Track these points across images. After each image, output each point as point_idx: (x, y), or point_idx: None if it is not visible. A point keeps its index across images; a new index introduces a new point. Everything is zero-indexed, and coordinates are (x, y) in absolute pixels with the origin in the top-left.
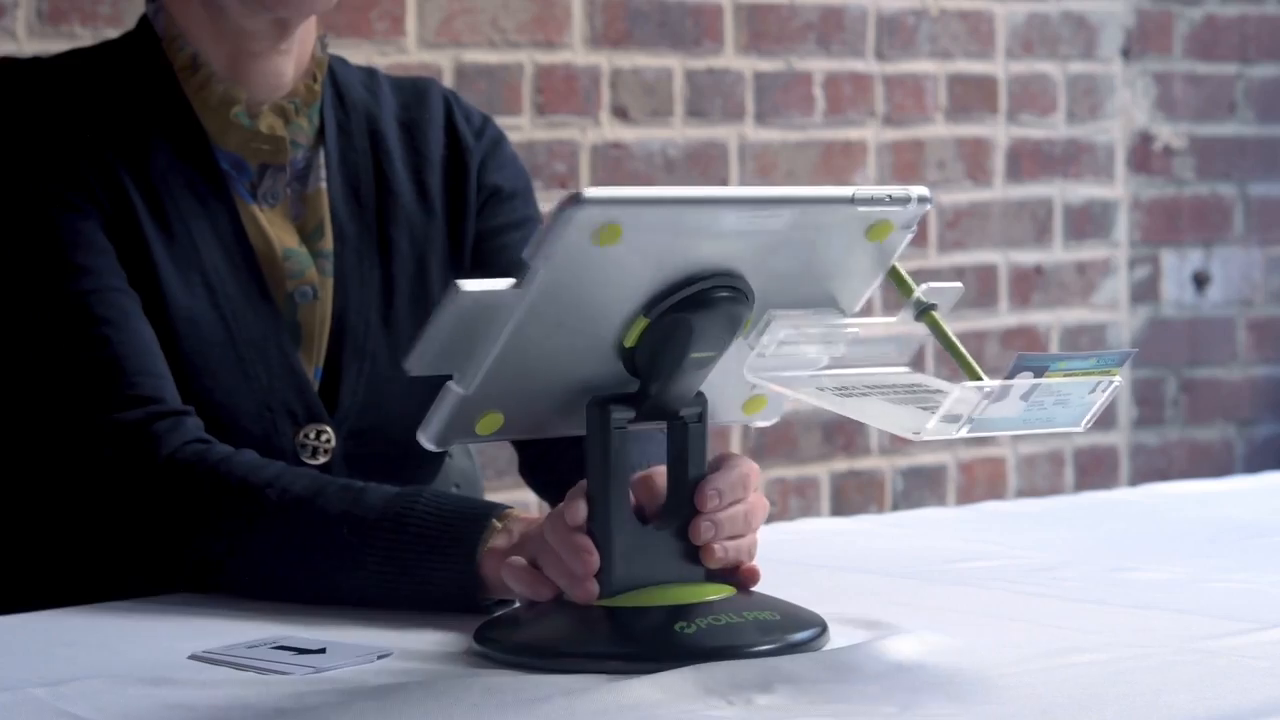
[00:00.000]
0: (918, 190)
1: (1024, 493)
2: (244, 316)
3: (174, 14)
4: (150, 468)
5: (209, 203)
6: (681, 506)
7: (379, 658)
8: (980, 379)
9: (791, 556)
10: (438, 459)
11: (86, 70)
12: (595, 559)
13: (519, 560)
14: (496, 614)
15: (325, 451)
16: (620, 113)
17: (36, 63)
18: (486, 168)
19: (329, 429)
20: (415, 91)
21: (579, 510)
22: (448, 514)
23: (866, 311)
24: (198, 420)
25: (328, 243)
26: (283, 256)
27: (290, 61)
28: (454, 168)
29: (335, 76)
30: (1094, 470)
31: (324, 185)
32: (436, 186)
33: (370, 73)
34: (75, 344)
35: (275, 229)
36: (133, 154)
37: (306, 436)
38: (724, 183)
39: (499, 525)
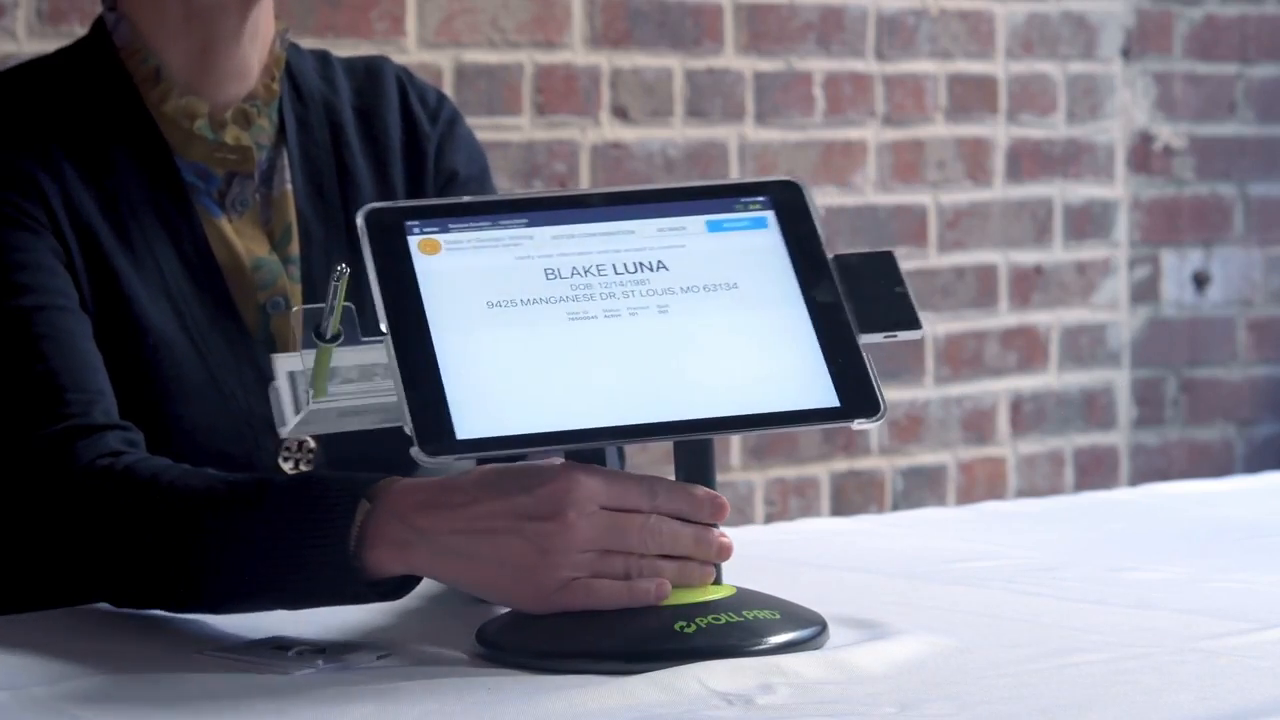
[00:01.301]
0: None
1: (1024, 493)
2: (212, 336)
3: (137, 17)
4: (61, 483)
5: (172, 220)
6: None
7: (379, 658)
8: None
9: (791, 556)
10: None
11: (45, 85)
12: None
13: (594, 580)
14: (499, 615)
15: (308, 461)
16: (620, 113)
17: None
18: (443, 152)
19: (310, 439)
20: (369, 74)
21: (725, 502)
22: (316, 495)
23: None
24: (126, 435)
25: (295, 246)
26: (252, 268)
27: (254, 54)
28: (412, 153)
29: (291, 68)
30: (1094, 470)
31: (289, 187)
32: (398, 174)
33: (324, 58)
34: (11, 360)
35: (244, 239)
36: (94, 175)
37: (289, 449)
38: None
39: (368, 505)
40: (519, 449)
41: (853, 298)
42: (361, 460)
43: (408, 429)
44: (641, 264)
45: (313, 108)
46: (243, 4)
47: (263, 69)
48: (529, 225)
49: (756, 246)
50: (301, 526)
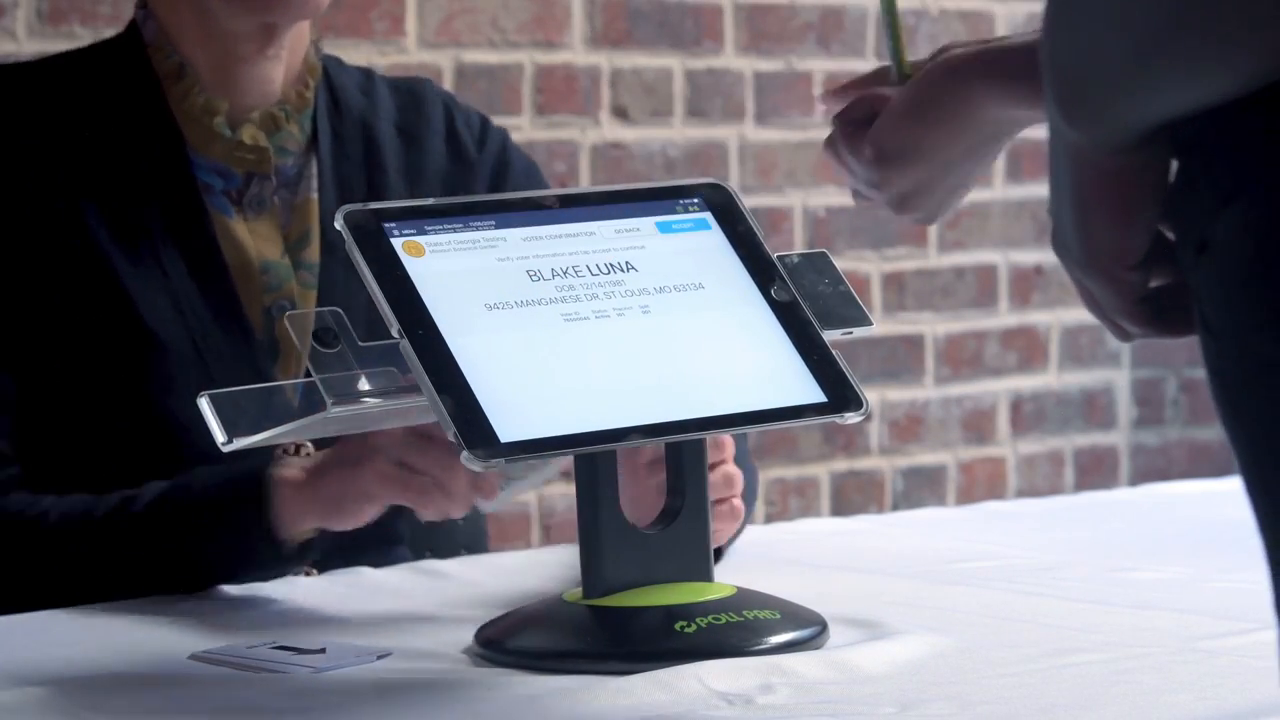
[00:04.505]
0: None
1: (1024, 493)
2: (213, 334)
3: (163, 18)
4: None
5: (181, 219)
6: (679, 509)
7: (379, 658)
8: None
9: (791, 556)
10: None
11: (65, 79)
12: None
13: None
14: (499, 615)
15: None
16: (620, 113)
17: (15, 70)
18: (501, 184)
19: (308, 443)
20: (412, 95)
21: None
22: (225, 472)
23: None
24: None
25: (313, 253)
26: (260, 270)
27: (280, 67)
28: (456, 182)
29: (331, 81)
30: (1094, 470)
31: (315, 195)
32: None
33: (367, 75)
34: None
35: (257, 239)
36: (103, 171)
37: (285, 450)
38: None
39: (278, 463)
40: (558, 451)
41: (804, 297)
42: None
43: (450, 435)
44: (612, 265)
45: (349, 122)
46: (264, 36)
47: (294, 77)
48: (497, 227)
49: (706, 247)
50: (223, 493)
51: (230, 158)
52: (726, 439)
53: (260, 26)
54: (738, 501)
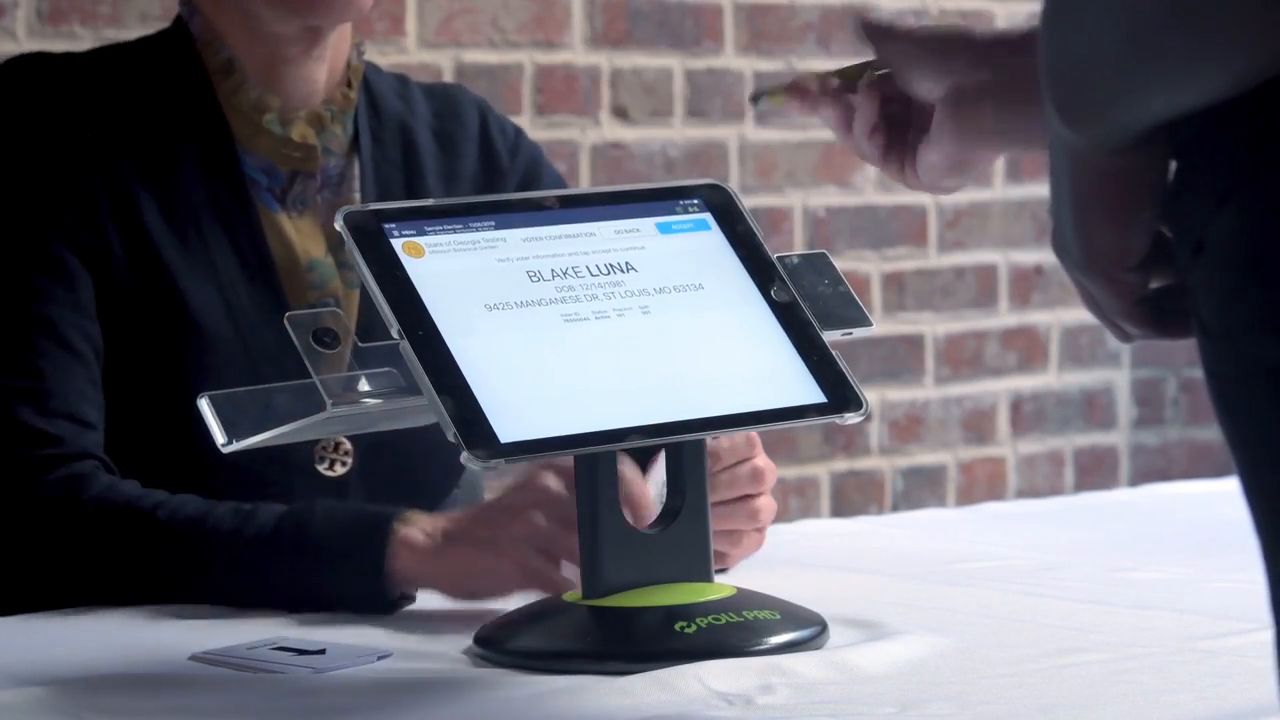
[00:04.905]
0: None
1: (1024, 493)
2: (259, 329)
3: (208, 17)
4: (28, 506)
5: (230, 212)
6: (678, 509)
7: (379, 658)
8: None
9: (791, 556)
10: (453, 473)
11: (116, 70)
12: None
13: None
14: (496, 616)
15: (343, 463)
16: (620, 113)
17: (67, 59)
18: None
19: (347, 440)
20: (448, 101)
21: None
22: (347, 518)
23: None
24: (93, 461)
25: None
26: (306, 267)
27: (324, 68)
28: (486, 188)
29: (369, 84)
30: (1094, 470)
31: (357, 196)
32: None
33: (403, 80)
34: (7, 363)
35: (302, 237)
36: (153, 161)
37: (325, 448)
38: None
39: (404, 520)
40: (558, 451)
41: (804, 297)
42: (391, 468)
43: (450, 435)
44: (612, 265)
45: (388, 125)
46: (310, 38)
47: (337, 79)
48: (497, 228)
49: (706, 247)
50: (342, 546)
51: (276, 155)
52: (754, 436)
53: (304, 29)
54: (766, 519)
